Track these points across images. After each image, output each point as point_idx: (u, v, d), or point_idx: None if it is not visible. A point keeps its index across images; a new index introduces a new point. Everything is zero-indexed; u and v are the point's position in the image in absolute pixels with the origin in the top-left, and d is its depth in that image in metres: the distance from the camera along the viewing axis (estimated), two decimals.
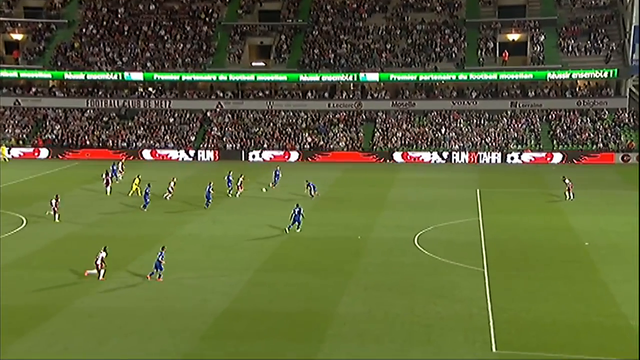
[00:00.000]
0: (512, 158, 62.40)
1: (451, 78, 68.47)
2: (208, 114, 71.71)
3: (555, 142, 63.94)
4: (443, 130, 66.51)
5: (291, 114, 70.91)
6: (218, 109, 72.16)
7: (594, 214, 41.14)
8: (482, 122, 67.39)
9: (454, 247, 34.10)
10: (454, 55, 70.29)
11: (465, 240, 35.74)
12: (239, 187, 45.24)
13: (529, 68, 67.91)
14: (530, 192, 48.68)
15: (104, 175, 47.95)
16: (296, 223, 36.43)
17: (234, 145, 67.84)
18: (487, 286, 28.20)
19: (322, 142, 67.02)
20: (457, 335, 23.55)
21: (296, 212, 36.46)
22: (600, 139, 62.90)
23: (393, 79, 69.17)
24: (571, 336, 23.48)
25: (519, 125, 66.02)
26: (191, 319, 24.98)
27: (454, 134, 66.03)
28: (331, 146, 66.58)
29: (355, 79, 69.86)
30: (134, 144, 68.67)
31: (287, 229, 36.38)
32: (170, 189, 45.30)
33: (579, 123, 65.40)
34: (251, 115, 71.12)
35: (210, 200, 42.32)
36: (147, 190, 42.01)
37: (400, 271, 30.46)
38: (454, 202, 44.65)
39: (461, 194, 47.68)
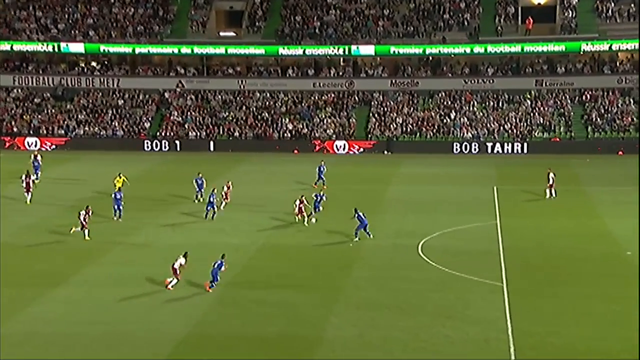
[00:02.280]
0: (535, 148, 62.75)
1: (463, 51, 68.81)
2: (166, 95, 71.57)
3: (590, 128, 64.41)
4: (453, 115, 66.78)
5: (268, 95, 70.98)
6: (179, 89, 72.03)
7: (637, 217, 41.43)
8: (501, 104, 67.73)
9: (466, 257, 34.18)
10: (466, 24, 70.59)
11: (479, 248, 35.87)
12: (224, 198, 42.23)
13: (559, 38, 68.39)
14: (559, 190, 49.06)
15: (23, 177, 44.88)
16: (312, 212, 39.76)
17: (199, 134, 67.73)
18: (507, 305, 28.30)
19: (305, 130, 67.10)
20: None
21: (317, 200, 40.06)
22: None
23: (392, 52, 69.35)
24: None
25: (546, 109, 66.43)
26: (145, 346, 24.88)
27: (465, 119, 66.32)
28: (317, 134, 66.68)
29: (346, 52, 69.97)
30: (74, 131, 68.29)
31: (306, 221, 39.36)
32: (224, 194, 42.41)
33: (619, 105, 65.90)
34: (219, 97, 71.10)
35: (212, 209, 40.20)
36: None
37: (400, 287, 30.50)
38: (465, 203, 44.82)
39: (475, 192, 47.88)
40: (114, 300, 28.75)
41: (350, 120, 67.73)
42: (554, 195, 45.06)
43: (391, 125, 66.50)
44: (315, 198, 40.39)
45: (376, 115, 67.77)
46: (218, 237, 37.76)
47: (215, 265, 30.01)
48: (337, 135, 66.43)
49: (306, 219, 39.45)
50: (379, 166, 58.45)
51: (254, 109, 69.56)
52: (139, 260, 34.09)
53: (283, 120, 67.99)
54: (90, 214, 37.08)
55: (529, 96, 67.72)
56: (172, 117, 69.16)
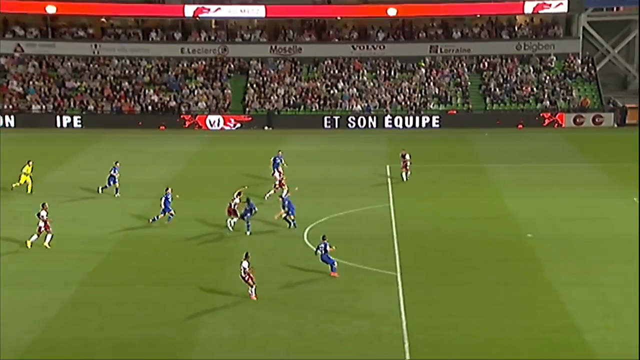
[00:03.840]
0: (432, 121, 64.44)
1: (350, 13, 69.58)
2: (2, 61, 68.81)
3: (488, 99, 66.69)
4: (340, 86, 67.53)
5: (128, 62, 69.58)
6: (17, 54, 69.40)
7: (539, 197, 43.33)
8: (393, 73, 69.07)
9: (357, 245, 34.67)
10: None
11: (371, 234, 36.54)
12: (231, 212, 37.01)
13: None
14: (457, 169, 50.50)
15: None
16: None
17: (44, 107, 65.53)
18: (401, 296, 28.93)
19: (173, 102, 66.21)
20: None
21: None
22: (546, 95, 66.30)
23: (270, 15, 69.21)
24: (510, 358, 24.57)
25: (442, 78, 68.29)
26: None
27: (355, 90, 67.24)
28: (187, 108, 65.91)
29: (218, 12, 69.33)
30: None
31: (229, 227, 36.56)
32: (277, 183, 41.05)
33: (518, 74, 68.55)
34: (68, 64, 69.01)
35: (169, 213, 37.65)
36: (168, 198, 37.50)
37: (283, 279, 30.67)
38: (355, 184, 45.48)
39: (365, 172, 48.65)
40: None
41: (225, 91, 67.27)
42: (406, 178, 45.56)
43: (272, 97, 66.52)
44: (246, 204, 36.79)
45: (254, 85, 67.59)
46: (71, 228, 36.80)
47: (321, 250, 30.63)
48: (210, 108, 65.88)
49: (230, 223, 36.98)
50: (259, 144, 58.39)
51: (111, 78, 67.97)
52: None
53: (146, 91, 66.75)
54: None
55: (423, 64, 69.35)
56: (9, 87, 66.58)
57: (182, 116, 64.97)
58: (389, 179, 46.92)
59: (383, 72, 68.75)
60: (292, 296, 28.87)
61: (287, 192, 38.97)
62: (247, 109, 65.98)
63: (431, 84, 67.51)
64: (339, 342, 25.40)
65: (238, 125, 64.64)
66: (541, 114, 64.19)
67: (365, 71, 68.80)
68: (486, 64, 69.36)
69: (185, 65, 69.38)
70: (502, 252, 34.16)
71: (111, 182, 42.28)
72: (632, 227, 37.45)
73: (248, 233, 36.29)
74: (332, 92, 67.01)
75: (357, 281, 30.55)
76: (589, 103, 65.52)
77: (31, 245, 33.85)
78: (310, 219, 38.25)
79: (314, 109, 65.88)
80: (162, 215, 37.51)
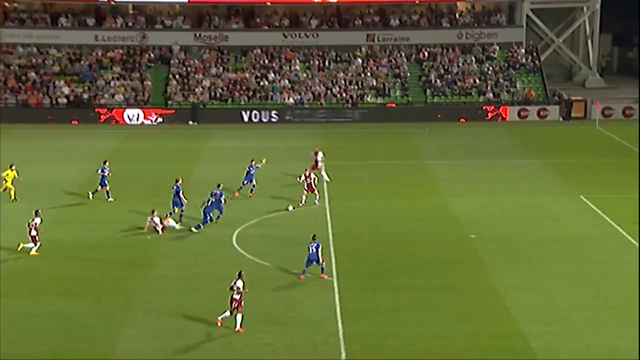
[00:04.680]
0: (369, 115, 64.85)
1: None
2: None
3: (428, 91, 67.45)
4: (271, 77, 67.52)
5: (35, 50, 68.37)
6: None
7: (482, 195, 44.00)
8: (327, 63, 69.32)
9: (290, 248, 34.77)
10: None
11: (305, 237, 36.25)
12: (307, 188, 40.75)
13: None
14: (396, 166, 50.97)
15: None
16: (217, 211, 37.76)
17: None
18: (338, 302, 29.11)
19: (86, 95, 65.29)
20: None
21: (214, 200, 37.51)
22: (489, 87, 67.40)
23: None
24: None
25: (379, 69, 68.80)
26: None
27: (287, 81, 67.28)
28: (102, 100, 65.09)
29: None
30: None
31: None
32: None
33: (460, 64, 69.51)
34: None
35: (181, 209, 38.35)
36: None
37: (211, 286, 30.56)
38: (288, 183, 45.46)
39: (298, 169, 48.36)
40: None
41: (145, 82, 66.62)
42: (326, 177, 45.50)
43: (196, 89, 66.11)
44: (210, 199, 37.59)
45: (177, 76, 67.10)
46: None
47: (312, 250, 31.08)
48: (128, 101, 65.15)
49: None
50: (183, 140, 57.99)
51: (16, 67, 66.67)
52: None
53: (56, 82, 65.67)
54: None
55: (359, 54, 69.75)
56: None
57: (96, 110, 64.04)
58: (323, 178, 47.09)
59: (317, 62, 68.91)
60: (220, 305, 28.75)
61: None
62: (169, 102, 65.44)
63: (368, 75, 67.94)
64: (271, 353, 25.46)
65: (159, 119, 64.00)
66: (484, 107, 65.17)
67: (297, 61, 68.87)
68: (426, 53, 70.11)
69: (99, 54, 68.46)
70: (445, 255, 34.63)
71: (103, 185, 41.24)
72: (579, 226, 38.41)
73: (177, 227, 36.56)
74: (262, 83, 66.89)
75: (291, 287, 30.64)
76: (533, 95, 66.78)
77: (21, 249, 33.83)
78: (239, 221, 38.21)
79: (242, 102, 65.65)
80: (182, 211, 37.75)
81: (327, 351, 25.60)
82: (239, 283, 27.20)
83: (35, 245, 33.94)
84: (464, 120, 64.62)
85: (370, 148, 56.10)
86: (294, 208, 40.28)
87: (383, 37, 70.74)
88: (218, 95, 65.98)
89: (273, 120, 64.40)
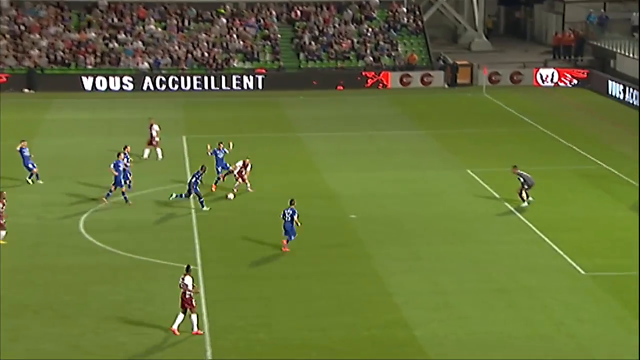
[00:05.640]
0: (240, 81, 64.61)
1: None
2: None
3: (302, 55, 67.57)
4: (121, 38, 66.30)
5: None
6: None
7: (362, 170, 44.51)
8: (187, 23, 68.52)
9: (147, 234, 34.51)
10: None
11: (165, 221, 36.45)
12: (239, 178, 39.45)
13: None
14: (266, 139, 51.04)
15: None
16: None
17: None
18: (202, 294, 28.88)
19: None
20: None
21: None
22: (368, 51, 68.00)
23: None
24: None
25: (246, 30, 68.45)
26: None
27: (139, 43, 66.19)
28: None
29: None
30: None
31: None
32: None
33: (336, 25, 69.83)
34: None
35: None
36: None
37: (53, 279, 30.06)
38: (144, 159, 44.93)
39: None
40: None
41: None
42: (159, 155, 45.12)
43: (32, 52, 64.38)
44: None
45: (7, 36, 65.23)
46: None
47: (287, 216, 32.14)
48: None
49: None
50: (16, 111, 56.22)
51: None
52: None
53: None
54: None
55: (223, 11, 69.21)
56: None
57: None
58: (185, 153, 46.66)
59: (175, 21, 68.09)
60: (63, 301, 28.20)
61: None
62: (0, 67, 63.45)
63: (234, 36, 67.53)
64: (124, 354, 25.12)
65: None
66: (363, 73, 65.76)
67: (152, 20, 67.88)
68: (299, 12, 70.15)
69: None
70: (322, 238, 34.85)
71: (127, 175, 39.14)
72: (466, 202, 39.30)
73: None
74: (110, 45, 65.67)
75: (148, 279, 30.30)
76: (416, 59, 67.79)
77: None
78: (87, 205, 37.56)
79: (88, 67, 64.32)
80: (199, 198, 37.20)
81: (190, 349, 25.40)
82: (187, 280, 26.43)
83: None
84: (341, 87, 65.09)
85: (237, 119, 55.94)
86: (234, 197, 39.31)
87: None
88: (58, 58, 64.39)
89: (125, 88, 63.33)
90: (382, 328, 26.98)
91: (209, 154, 40.32)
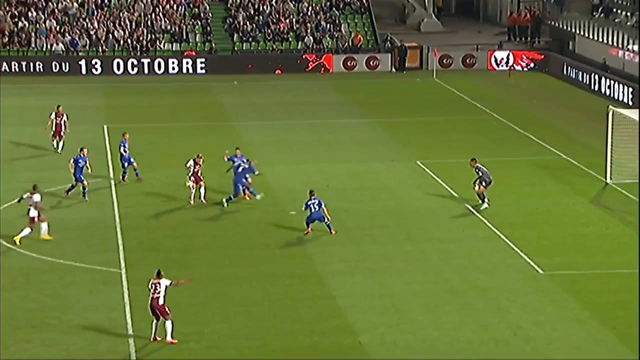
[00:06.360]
0: (165, 66, 64.21)
1: None
2: None
3: (236, 36, 67.39)
4: (32, 16, 65.80)
5: None
6: None
7: (303, 163, 44.61)
8: (107, 1, 68.04)
9: (65, 234, 34.27)
10: None
11: (84, 220, 36.23)
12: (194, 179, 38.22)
13: None
14: (197, 128, 50.88)
15: None
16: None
17: None
18: (127, 300, 28.74)
19: None
20: None
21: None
22: (309, 31, 67.94)
23: None
24: None
25: (174, 8, 68.03)
26: None
27: (53, 22, 65.61)
28: None
29: None
30: None
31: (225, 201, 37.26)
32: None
33: (273, 3, 69.65)
34: None
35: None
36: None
37: None
38: (53, 152, 44.65)
39: (74, 133, 47.45)
40: None
41: None
42: (59, 147, 44.94)
43: None
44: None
45: None
46: None
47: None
48: None
49: None
50: None
51: None
52: None
53: None
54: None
55: None
56: None
57: None
58: (107, 145, 46.27)
59: None
60: None
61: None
62: None
63: (160, 15, 67.12)
64: None
65: None
66: (304, 56, 65.79)
67: None
68: None
69: None
70: (259, 236, 34.80)
71: (128, 163, 39.86)
72: (415, 197, 39.47)
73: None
74: (20, 24, 64.95)
75: (67, 283, 30.03)
76: (361, 41, 67.93)
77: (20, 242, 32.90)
78: None
79: None
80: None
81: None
82: (161, 285, 26.21)
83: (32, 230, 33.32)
84: (279, 71, 65.11)
85: (164, 106, 55.61)
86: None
87: None
88: None
89: (37, 71, 62.51)
90: (324, 335, 26.95)
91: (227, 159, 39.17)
